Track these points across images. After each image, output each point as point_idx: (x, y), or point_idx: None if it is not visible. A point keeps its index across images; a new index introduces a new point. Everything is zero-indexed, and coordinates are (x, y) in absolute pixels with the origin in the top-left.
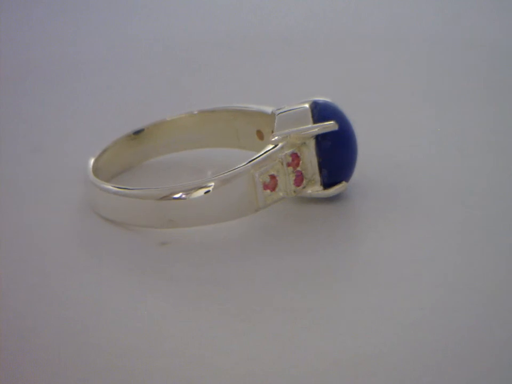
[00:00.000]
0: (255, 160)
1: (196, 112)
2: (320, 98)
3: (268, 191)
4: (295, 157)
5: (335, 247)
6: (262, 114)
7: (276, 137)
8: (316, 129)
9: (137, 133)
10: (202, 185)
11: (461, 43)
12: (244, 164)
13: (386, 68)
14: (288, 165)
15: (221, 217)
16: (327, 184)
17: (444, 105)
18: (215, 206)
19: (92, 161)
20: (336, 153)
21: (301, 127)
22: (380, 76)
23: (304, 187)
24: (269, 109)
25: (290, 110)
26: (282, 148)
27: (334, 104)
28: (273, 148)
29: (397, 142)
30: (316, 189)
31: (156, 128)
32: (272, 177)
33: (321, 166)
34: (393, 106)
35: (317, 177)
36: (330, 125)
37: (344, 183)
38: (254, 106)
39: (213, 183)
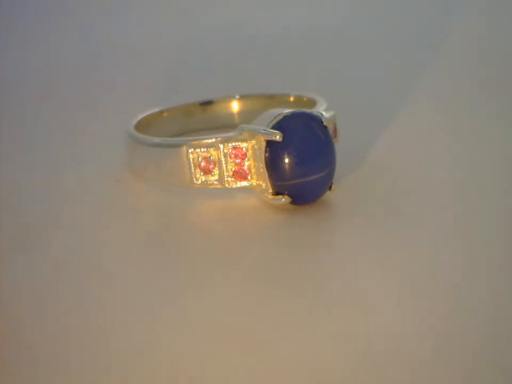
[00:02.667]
0: (194, 138)
1: (258, 95)
2: (305, 110)
3: (201, 171)
4: (239, 150)
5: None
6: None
7: (237, 128)
8: (257, 133)
9: (205, 104)
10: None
11: (462, 44)
12: (184, 138)
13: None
14: (229, 155)
15: (165, 178)
16: (275, 191)
17: (442, 108)
18: (163, 166)
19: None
20: (276, 164)
21: (251, 127)
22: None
23: (252, 184)
24: (320, 99)
25: (276, 112)
26: (229, 138)
27: (311, 117)
28: (223, 136)
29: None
30: (264, 191)
31: (223, 103)
32: (207, 160)
33: (267, 171)
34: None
35: (267, 181)
36: (271, 134)
37: (286, 197)
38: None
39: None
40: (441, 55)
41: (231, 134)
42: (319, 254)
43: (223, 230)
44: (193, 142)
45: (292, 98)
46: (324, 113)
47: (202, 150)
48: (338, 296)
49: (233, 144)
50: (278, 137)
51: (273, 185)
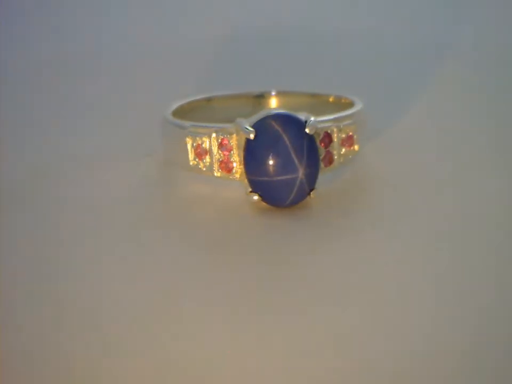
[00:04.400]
0: (196, 124)
1: (298, 92)
2: (294, 113)
3: (195, 157)
4: (225, 143)
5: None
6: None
7: (234, 121)
8: (240, 129)
9: (258, 96)
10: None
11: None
12: (189, 122)
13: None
14: (218, 146)
15: (171, 158)
16: (252, 188)
17: (440, 109)
18: (172, 149)
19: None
20: (248, 160)
21: (240, 121)
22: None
23: (235, 178)
24: (358, 102)
25: (267, 112)
26: (221, 129)
27: (293, 121)
28: (218, 126)
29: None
30: (245, 186)
31: (266, 98)
32: (200, 147)
33: (243, 166)
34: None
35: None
36: (246, 132)
37: (257, 195)
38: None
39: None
40: (441, 54)
41: (225, 125)
42: (303, 255)
43: (202, 220)
44: (192, 128)
45: (331, 99)
46: (313, 119)
47: (198, 136)
48: (331, 295)
49: (223, 136)
50: (251, 135)
51: (248, 181)
